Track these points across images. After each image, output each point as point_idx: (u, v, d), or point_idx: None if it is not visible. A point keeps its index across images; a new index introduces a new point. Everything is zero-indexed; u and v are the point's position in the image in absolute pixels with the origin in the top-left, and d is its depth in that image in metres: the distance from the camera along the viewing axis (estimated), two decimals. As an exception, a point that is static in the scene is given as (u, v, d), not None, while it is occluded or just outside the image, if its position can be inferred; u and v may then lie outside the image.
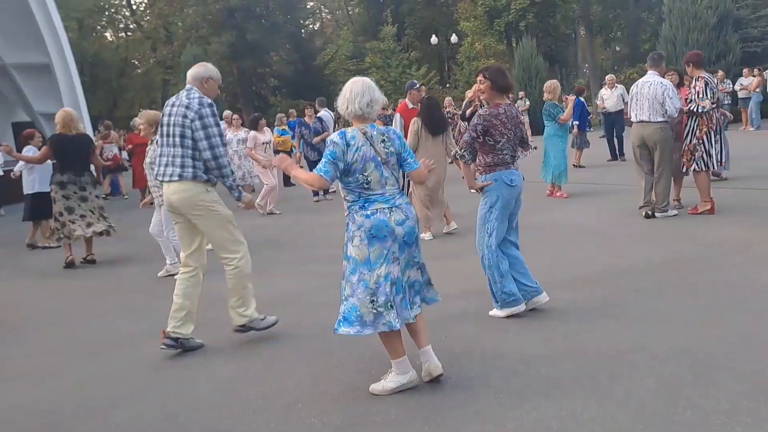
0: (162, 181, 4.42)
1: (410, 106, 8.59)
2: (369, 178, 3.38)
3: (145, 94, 45.28)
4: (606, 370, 3.46)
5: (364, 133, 3.41)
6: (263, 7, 36.65)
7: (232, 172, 4.46)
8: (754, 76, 18.10)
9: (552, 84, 9.97)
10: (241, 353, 4.33)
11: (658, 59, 7.90)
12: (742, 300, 4.44)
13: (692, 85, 7.67)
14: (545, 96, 9.95)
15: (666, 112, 7.40)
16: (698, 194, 7.65)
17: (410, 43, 40.47)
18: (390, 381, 3.44)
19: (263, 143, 11.06)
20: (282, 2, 36.83)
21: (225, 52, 34.16)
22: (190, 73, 4.55)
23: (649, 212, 7.72)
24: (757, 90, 17.91)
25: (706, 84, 7.41)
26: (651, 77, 7.67)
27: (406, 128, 7.94)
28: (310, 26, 45.03)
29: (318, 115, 13.14)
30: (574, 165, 12.86)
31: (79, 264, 7.93)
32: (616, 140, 14.45)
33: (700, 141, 7.52)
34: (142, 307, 5.83)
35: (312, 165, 11.83)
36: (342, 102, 3.48)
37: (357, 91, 3.44)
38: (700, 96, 7.39)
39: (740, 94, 18.54)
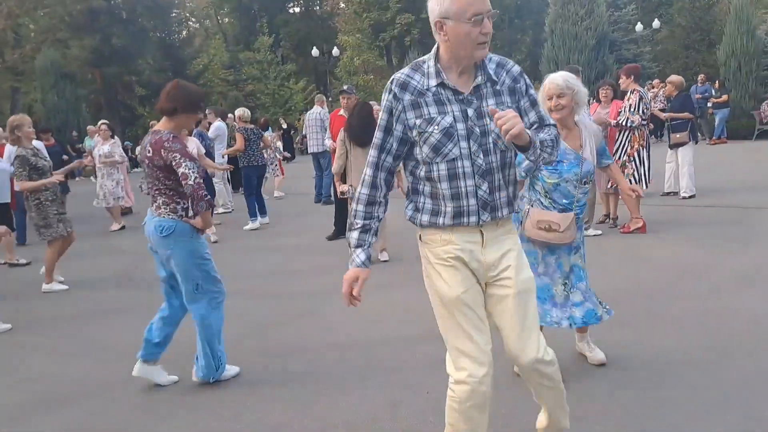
0: None
1: (341, 113, 8.10)
2: None
3: (-11, 102, 41.00)
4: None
5: None
6: (129, 11, 34.30)
7: None
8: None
9: None
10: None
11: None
12: (741, 334, 4.17)
13: (626, 98, 7.63)
14: None
15: None
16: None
17: (287, 56, 39.73)
18: None
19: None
20: (150, 7, 34.63)
21: (87, 57, 31.50)
22: None
23: None
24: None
25: (641, 98, 7.38)
26: None
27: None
28: (179, 34, 42.88)
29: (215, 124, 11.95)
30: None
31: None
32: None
33: (631, 158, 7.46)
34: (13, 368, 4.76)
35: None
36: None
37: None
38: (632, 110, 7.35)
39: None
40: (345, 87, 8.45)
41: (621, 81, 7.78)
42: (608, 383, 3.55)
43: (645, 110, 7.37)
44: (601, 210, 8.32)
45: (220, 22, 47.69)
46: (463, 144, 2.28)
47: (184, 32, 44.63)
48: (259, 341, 4.74)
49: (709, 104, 18.68)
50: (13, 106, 40.11)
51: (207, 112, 12.73)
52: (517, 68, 2.42)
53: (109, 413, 3.68)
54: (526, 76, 2.44)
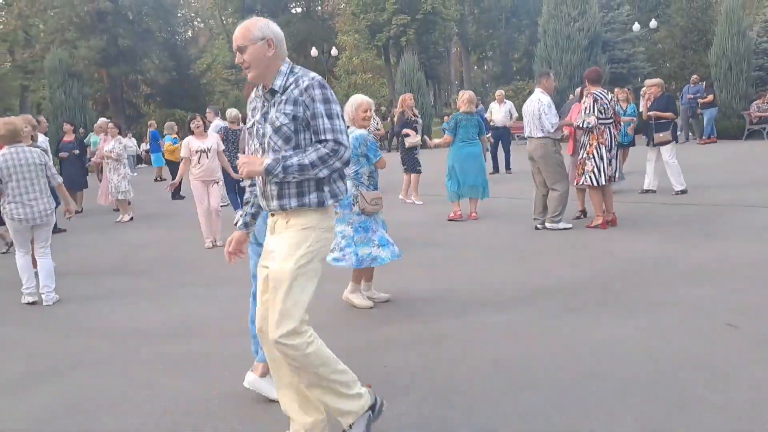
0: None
1: None
2: None
3: (0, 100, 41.67)
4: (571, 402, 3.49)
5: None
6: (135, 12, 34.89)
7: None
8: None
9: (473, 94, 9.28)
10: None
11: (539, 77, 8.37)
12: (682, 319, 4.52)
13: (583, 101, 8.11)
14: (468, 107, 8.96)
15: (543, 128, 7.78)
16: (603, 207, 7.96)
17: (288, 55, 40.12)
18: None
19: (200, 151, 8.63)
20: (156, 8, 35.22)
21: (94, 57, 32.09)
22: None
23: (539, 225, 8.05)
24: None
25: (595, 100, 7.82)
26: (534, 94, 8.08)
27: None
28: (183, 34, 43.42)
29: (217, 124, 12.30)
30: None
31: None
32: (504, 154, 15.11)
33: (590, 156, 7.87)
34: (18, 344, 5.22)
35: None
36: None
37: None
38: (587, 111, 7.79)
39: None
40: None
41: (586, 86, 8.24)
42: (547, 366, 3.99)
43: (602, 111, 7.77)
44: (576, 206, 8.75)
45: (224, 22, 48.21)
46: (255, 141, 2.96)
47: (189, 32, 45.23)
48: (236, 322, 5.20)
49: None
50: (22, 104, 40.81)
51: (207, 111, 13.25)
52: (306, 82, 2.82)
53: (97, 385, 4.14)
54: (317, 91, 2.80)
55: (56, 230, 9.93)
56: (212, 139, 8.82)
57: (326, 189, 2.86)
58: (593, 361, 3.87)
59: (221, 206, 11.90)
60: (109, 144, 11.96)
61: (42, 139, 9.95)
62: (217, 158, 8.69)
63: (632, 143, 11.79)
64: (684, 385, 3.47)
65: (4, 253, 8.78)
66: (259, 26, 2.85)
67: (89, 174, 13.97)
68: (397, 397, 3.50)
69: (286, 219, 2.86)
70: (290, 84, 2.84)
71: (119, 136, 12.31)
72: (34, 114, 38.41)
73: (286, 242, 2.82)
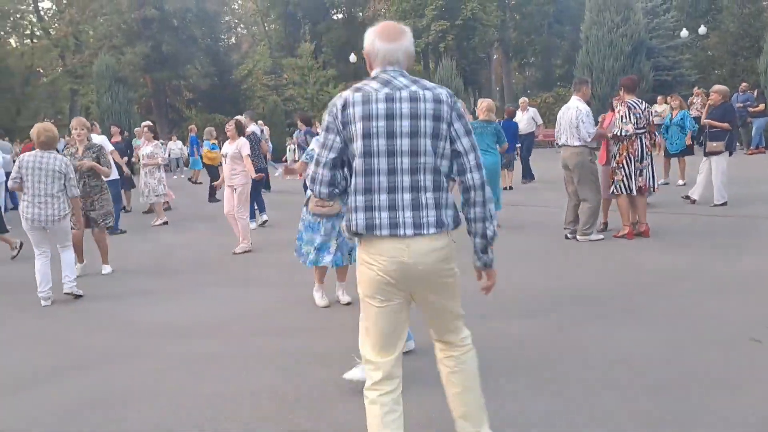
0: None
1: None
2: None
3: (51, 103, 43.04)
4: (587, 409, 3.46)
5: None
6: (180, 19, 35.69)
7: None
8: (667, 103, 19.08)
9: (492, 103, 9.20)
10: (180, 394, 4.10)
11: (578, 84, 8.15)
12: (705, 331, 4.46)
13: (617, 110, 8.00)
14: (486, 116, 8.86)
15: (581, 136, 7.67)
16: (639, 217, 7.87)
17: (327, 61, 40.60)
18: None
19: (223, 155, 8.91)
20: (199, 15, 36.00)
21: (140, 63, 32.95)
22: None
23: (569, 235, 7.94)
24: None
25: (629, 108, 7.72)
26: (571, 102, 7.94)
27: None
28: (227, 41, 44.27)
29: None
30: (504, 188, 12.77)
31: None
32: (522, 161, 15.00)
33: (620, 165, 7.77)
34: (52, 337, 5.41)
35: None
36: None
37: None
38: (623, 120, 7.69)
39: (655, 121, 19.47)
40: None
41: (620, 94, 8.12)
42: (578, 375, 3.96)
43: (637, 120, 7.67)
44: (600, 217, 8.61)
45: (266, 28, 48.90)
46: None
47: (233, 38, 46.04)
48: (261, 323, 5.31)
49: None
50: (72, 107, 42.09)
51: (243, 115, 13.45)
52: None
53: (123, 380, 4.27)
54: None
55: (117, 232, 10.26)
56: (234, 145, 8.63)
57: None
58: (608, 370, 3.84)
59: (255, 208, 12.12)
60: (147, 148, 12.15)
61: (100, 139, 10.39)
62: (233, 163, 8.51)
63: (684, 152, 11.50)
64: (699, 398, 3.42)
65: (14, 257, 8.95)
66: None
67: (134, 175, 14.31)
68: (411, 399, 3.51)
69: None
70: None
71: (156, 141, 12.55)
72: (85, 117, 39.54)
73: None
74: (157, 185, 11.88)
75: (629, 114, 7.67)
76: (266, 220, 10.81)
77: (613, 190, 7.84)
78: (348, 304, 5.59)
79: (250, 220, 9.57)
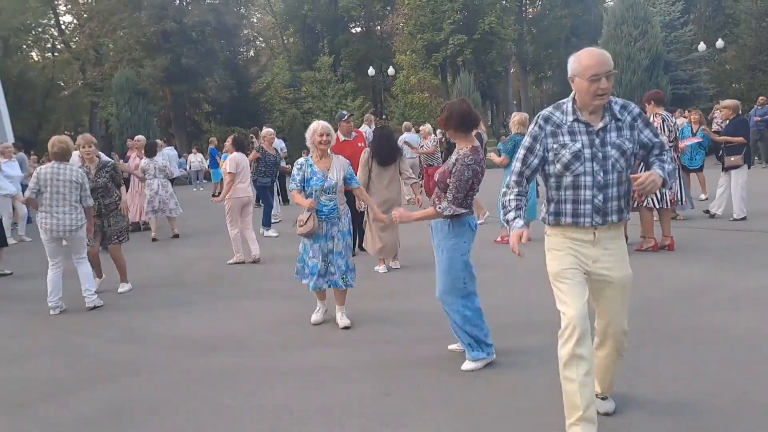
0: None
1: (341, 138, 8.12)
2: None
3: (72, 116, 43.72)
4: (610, 423, 3.43)
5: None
6: (199, 32, 36.12)
7: None
8: (685, 118, 18.97)
9: (525, 116, 9.26)
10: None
11: None
12: (724, 349, 4.42)
13: (651, 121, 7.94)
14: (519, 129, 8.97)
15: None
16: (661, 230, 7.83)
17: (345, 74, 40.87)
18: None
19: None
20: (218, 28, 36.39)
21: (159, 76, 33.35)
22: None
23: None
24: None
25: (663, 121, 7.68)
26: None
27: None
28: (245, 54, 44.76)
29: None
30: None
31: None
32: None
33: None
34: (70, 349, 5.45)
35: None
36: None
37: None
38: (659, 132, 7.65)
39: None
40: (344, 113, 8.84)
41: (647, 109, 8.04)
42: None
43: (669, 132, 7.64)
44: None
45: (285, 42, 49.33)
46: (588, 164, 3.05)
47: (251, 52, 46.50)
48: (278, 336, 5.33)
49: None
50: (91, 120, 42.67)
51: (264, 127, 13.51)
52: (636, 109, 3.16)
53: (142, 392, 4.31)
54: (644, 115, 3.19)
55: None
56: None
57: None
58: (621, 384, 3.79)
59: (274, 221, 12.16)
60: (157, 160, 11.84)
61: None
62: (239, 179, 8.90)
63: (701, 168, 11.43)
64: (711, 413, 3.39)
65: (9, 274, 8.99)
66: None
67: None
68: (425, 412, 3.52)
69: (611, 231, 3.17)
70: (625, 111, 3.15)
71: (165, 149, 12.56)
72: (104, 130, 39.94)
73: (622, 251, 3.21)
74: (168, 198, 11.63)
75: (663, 125, 7.64)
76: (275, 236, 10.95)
77: (645, 203, 7.75)
78: (346, 328, 5.43)
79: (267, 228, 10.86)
